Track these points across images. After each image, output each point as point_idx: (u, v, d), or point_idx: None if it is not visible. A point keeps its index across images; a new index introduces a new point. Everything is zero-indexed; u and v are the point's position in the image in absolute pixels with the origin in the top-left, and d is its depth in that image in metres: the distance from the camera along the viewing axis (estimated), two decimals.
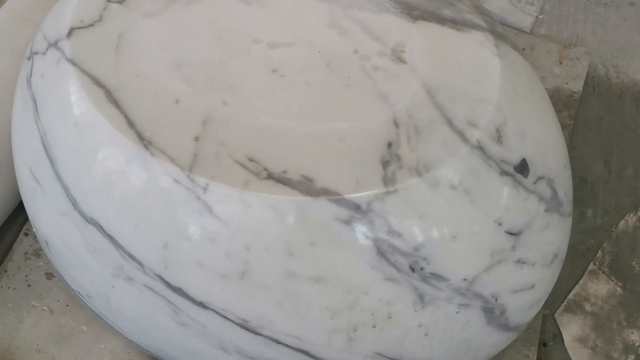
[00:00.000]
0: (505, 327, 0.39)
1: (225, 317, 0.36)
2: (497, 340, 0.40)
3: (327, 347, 0.36)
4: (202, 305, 0.36)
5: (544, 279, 0.39)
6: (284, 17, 0.40)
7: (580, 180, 0.60)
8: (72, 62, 0.37)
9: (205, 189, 0.33)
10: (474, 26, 0.39)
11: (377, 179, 0.33)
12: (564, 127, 0.54)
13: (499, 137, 0.35)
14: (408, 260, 0.34)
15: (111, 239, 0.36)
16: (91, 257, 0.37)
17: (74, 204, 0.36)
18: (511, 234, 0.36)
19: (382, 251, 0.33)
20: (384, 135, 0.34)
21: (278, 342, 0.36)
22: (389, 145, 0.34)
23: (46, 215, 0.39)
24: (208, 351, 0.39)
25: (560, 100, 0.63)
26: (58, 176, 0.37)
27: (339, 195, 0.32)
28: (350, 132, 0.35)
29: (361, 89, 0.36)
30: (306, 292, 0.34)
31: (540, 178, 0.38)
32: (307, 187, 0.33)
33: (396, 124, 0.35)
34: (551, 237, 0.39)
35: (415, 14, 0.39)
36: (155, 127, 0.35)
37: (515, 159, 0.36)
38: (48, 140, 0.37)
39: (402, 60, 0.38)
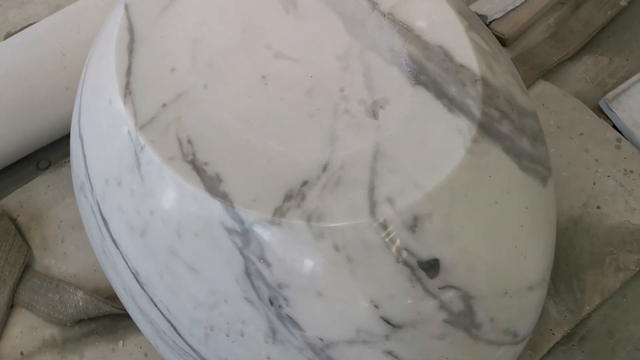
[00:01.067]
0: None
1: (126, 263, 0.40)
2: None
3: (189, 332, 0.39)
4: (115, 243, 0.40)
5: None
6: (306, 35, 0.41)
7: None
8: (125, 8, 0.44)
9: (142, 148, 0.37)
10: (466, 113, 0.37)
11: (271, 207, 0.34)
12: None
13: (413, 227, 0.34)
14: (269, 292, 0.35)
15: None
16: None
17: None
18: (388, 322, 0.35)
19: (249, 271, 0.35)
20: (307, 173, 0.35)
21: (155, 305, 0.39)
22: (304, 183, 0.35)
23: None
24: (116, 285, 0.44)
25: None
26: None
27: (231, 204, 0.34)
28: (282, 157, 0.36)
29: (320, 124, 0.37)
30: (181, 274, 0.37)
31: (451, 287, 0.35)
32: (213, 184, 0.35)
33: (324, 169, 0.35)
34: (445, 351, 0.36)
35: (421, 78, 0.39)
36: (142, 82, 0.40)
37: (425, 255, 0.34)
38: None
39: (374, 116, 0.37)
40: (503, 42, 0.71)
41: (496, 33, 0.70)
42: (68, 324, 0.55)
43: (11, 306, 0.56)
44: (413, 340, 0.35)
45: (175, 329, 0.39)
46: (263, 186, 0.35)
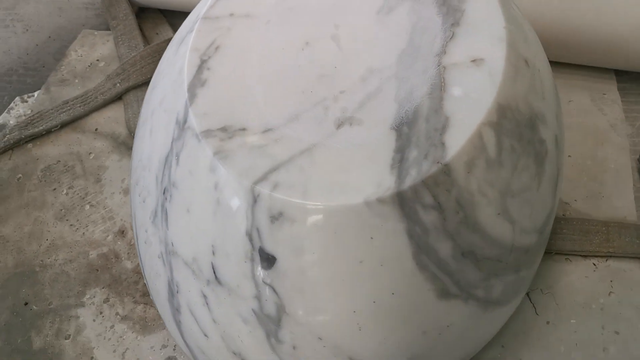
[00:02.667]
0: None
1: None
2: None
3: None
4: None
5: None
6: (370, 37, 0.44)
7: None
8: None
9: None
10: (400, 174, 0.37)
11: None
12: None
13: (274, 219, 0.37)
14: (166, 184, 0.41)
15: None
16: None
17: None
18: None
19: (168, 159, 0.42)
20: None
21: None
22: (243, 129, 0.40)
23: None
24: None
25: None
26: None
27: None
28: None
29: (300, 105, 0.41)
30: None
31: (273, 291, 0.38)
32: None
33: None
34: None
35: (402, 129, 0.39)
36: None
37: (269, 249, 0.37)
38: None
39: (339, 126, 0.40)
40: None
41: None
42: None
43: None
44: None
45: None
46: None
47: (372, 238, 0.36)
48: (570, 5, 0.65)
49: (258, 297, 0.38)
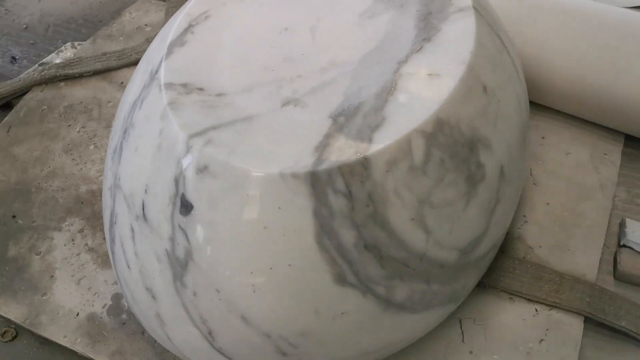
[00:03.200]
0: None
1: None
2: None
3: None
4: None
5: None
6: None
7: None
8: None
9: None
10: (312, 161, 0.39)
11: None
12: None
13: (199, 171, 0.40)
14: (126, 123, 0.46)
15: None
16: None
17: None
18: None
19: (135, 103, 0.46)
20: None
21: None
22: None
23: None
24: None
25: None
26: None
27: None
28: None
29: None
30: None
31: (185, 238, 0.41)
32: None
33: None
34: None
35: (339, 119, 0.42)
36: None
37: (191, 196, 0.41)
38: None
39: (284, 104, 0.43)
40: None
41: None
42: None
43: None
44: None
45: None
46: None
47: (279, 208, 0.39)
48: (590, 62, 0.65)
49: (172, 239, 0.42)
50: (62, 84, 0.76)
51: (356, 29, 0.47)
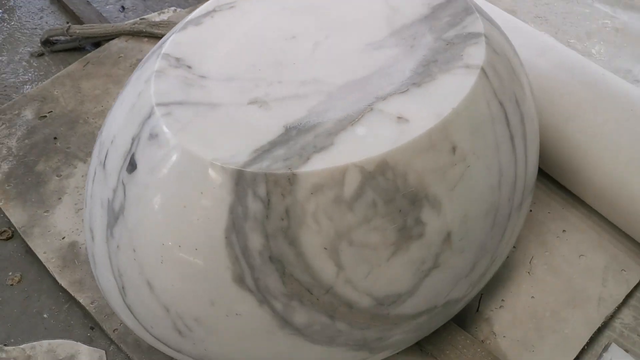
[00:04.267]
0: None
1: None
2: None
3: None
4: None
5: None
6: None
7: None
8: None
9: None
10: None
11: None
12: None
13: (149, 138, 0.43)
14: None
15: None
16: None
17: None
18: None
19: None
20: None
21: None
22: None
23: None
24: None
25: None
26: None
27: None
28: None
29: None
30: None
31: (122, 193, 0.44)
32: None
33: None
34: None
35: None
36: None
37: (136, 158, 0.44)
38: None
39: (259, 106, 0.44)
40: None
41: None
42: None
43: None
44: None
45: None
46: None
47: (201, 193, 0.41)
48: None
49: (114, 191, 0.45)
50: (145, 39, 0.83)
51: (356, 55, 0.48)
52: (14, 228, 0.65)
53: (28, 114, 0.75)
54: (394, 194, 0.41)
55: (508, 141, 0.47)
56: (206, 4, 0.52)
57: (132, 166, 0.44)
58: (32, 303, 0.60)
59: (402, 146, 0.41)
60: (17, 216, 0.65)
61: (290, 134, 0.42)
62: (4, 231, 0.65)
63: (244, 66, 0.47)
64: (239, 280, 0.42)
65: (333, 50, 0.48)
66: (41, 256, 0.62)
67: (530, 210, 0.64)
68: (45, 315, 0.59)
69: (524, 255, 0.61)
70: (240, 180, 0.40)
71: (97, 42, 0.85)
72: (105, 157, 0.47)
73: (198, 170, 0.41)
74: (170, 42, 0.48)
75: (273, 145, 0.41)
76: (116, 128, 0.47)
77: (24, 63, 0.84)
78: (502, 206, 0.47)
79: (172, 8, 0.92)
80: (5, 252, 0.64)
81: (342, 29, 0.50)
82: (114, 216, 0.45)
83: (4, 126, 0.73)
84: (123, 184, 0.44)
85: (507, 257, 0.59)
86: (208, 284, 0.42)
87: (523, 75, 0.52)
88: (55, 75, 0.79)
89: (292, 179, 0.40)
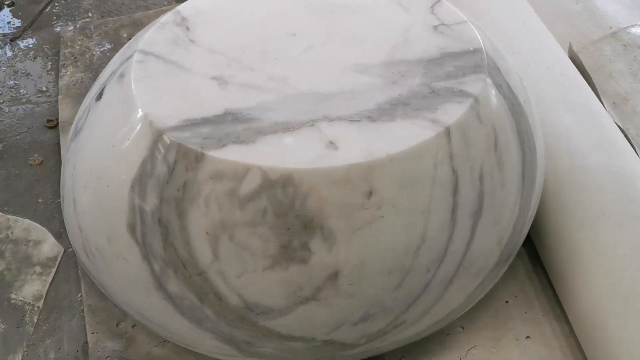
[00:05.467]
0: None
1: None
2: None
3: None
4: None
5: None
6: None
7: None
8: None
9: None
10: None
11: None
12: None
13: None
14: None
15: None
16: None
17: None
18: None
19: None
20: None
21: None
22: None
23: None
24: None
25: None
26: None
27: None
28: None
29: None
30: None
31: None
32: None
33: None
34: None
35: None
36: None
37: None
38: None
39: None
40: None
41: None
42: None
43: None
44: None
45: None
46: None
47: (128, 139, 0.44)
48: None
49: (84, 112, 0.50)
50: None
51: (338, 70, 0.47)
52: (59, 121, 0.74)
53: (125, 33, 0.83)
54: (287, 210, 0.41)
55: (447, 211, 0.44)
56: None
57: (99, 96, 0.48)
58: (38, 187, 0.68)
59: (315, 169, 0.40)
60: (65, 112, 0.74)
61: (225, 118, 0.43)
62: (51, 120, 0.74)
63: (232, 45, 0.49)
64: (131, 228, 0.44)
65: (320, 58, 0.48)
66: (62, 149, 0.70)
67: (507, 302, 0.59)
68: (39, 200, 0.67)
69: (467, 340, 0.56)
70: (158, 141, 0.42)
71: None
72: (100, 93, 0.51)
73: (134, 119, 0.44)
74: (183, 6, 0.51)
75: (204, 122, 0.43)
76: (113, 60, 0.51)
77: None
78: (415, 273, 0.44)
79: None
80: (44, 137, 0.73)
81: (344, 41, 0.49)
82: (75, 132, 0.50)
83: (99, 36, 0.83)
84: (89, 108, 0.49)
85: (448, 333, 0.55)
86: (109, 221, 0.45)
87: (515, 157, 0.47)
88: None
89: (199, 158, 0.41)
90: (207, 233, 0.42)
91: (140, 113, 0.43)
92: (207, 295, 0.44)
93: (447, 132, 0.43)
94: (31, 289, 0.60)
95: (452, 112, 0.44)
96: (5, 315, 0.58)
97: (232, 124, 0.43)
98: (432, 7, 0.52)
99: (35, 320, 0.58)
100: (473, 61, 0.47)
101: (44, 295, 0.60)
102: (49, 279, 0.61)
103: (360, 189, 0.41)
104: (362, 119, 0.43)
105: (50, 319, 0.58)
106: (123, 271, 0.47)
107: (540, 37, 0.73)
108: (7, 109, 0.75)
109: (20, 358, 0.55)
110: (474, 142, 0.44)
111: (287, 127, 0.43)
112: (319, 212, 0.41)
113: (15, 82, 0.79)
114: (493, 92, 0.46)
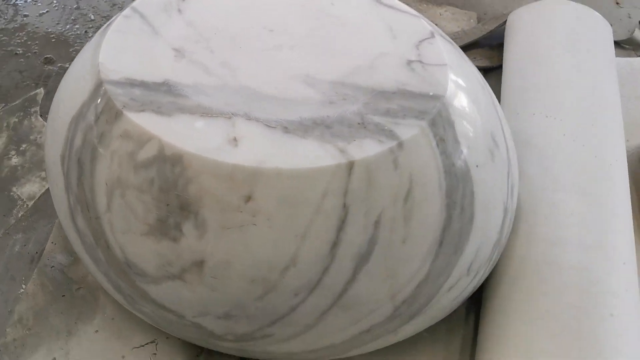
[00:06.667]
0: None
1: None
2: None
3: None
4: None
5: None
6: None
7: None
8: None
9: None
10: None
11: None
12: None
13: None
14: None
15: None
16: None
17: None
18: None
19: None
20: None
21: None
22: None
23: None
24: None
25: None
26: None
27: None
28: None
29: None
30: None
31: None
32: None
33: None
34: None
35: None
36: None
37: None
38: None
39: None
40: None
41: None
42: None
43: None
44: None
45: None
46: None
47: (81, 84, 0.48)
48: None
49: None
50: None
51: (287, 75, 0.47)
52: None
53: None
54: (170, 187, 0.43)
55: (326, 244, 0.42)
56: None
57: (91, 37, 0.53)
58: None
59: (204, 158, 0.41)
60: None
61: (160, 87, 0.46)
62: None
63: (210, 24, 0.51)
64: (62, 159, 0.49)
65: (279, 59, 0.48)
66: None
67: None
68: None
69: None
70: (97, 89, 0.46)
71: None
72: None
73: (93, 64, 0.48)
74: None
75: (141, 85, 0.46)
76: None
77: None
78: (281, 292, 0.44)
79: None
80: None
81: (312, 49, 0.49)
82: (74, 61, 0.55)
83: None
84: (87, 44, 0.54)
85: None
86: (53, 148, 0.50)
87: (434, 218, 0.44)
88: None
89: (117, 115, 0.44)
90: (106, 184, 0.45)
91: (97, 60, 0.47)
92: (100, 240, 0.47)
93: (350, 166, 0.41)
94: (30, 189, 0.68)
95: (366, 149, 0.42)
96: (0, 203, 0.67)
97: (161, 95, 0.45)
98: (420, 42, 0.49)
99: (19, 215, 0.66)
100: (423, 106, 0.45)
101: (36, 198, 0.68)
102: (47, 186, 0.68)
103: (239, 192, 0.41)
104: (277, 126, 0.43)
105: (31, 219, 0.66)
106: (56, 195, 0.52)
107: (605, 116, 0.64)
108: None
109: None
110: (379, 186, 0.42)
111: (206, 113, 0.44)
112: (197, 199, 0.42)
113: None
114: (427, 143, 0.43)
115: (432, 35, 0.50)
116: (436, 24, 0.84)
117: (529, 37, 0.71)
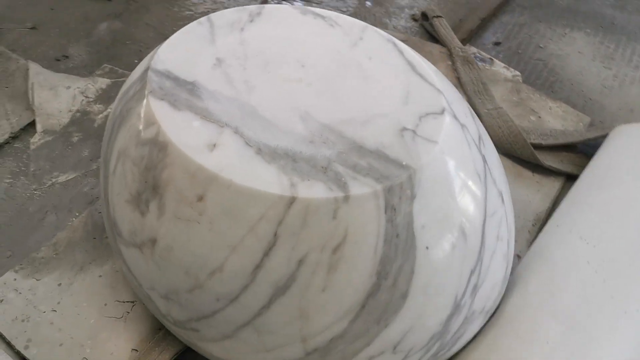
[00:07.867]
0: None
1: None
2: None
3: None
4: None
5: None
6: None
7: None
8: None
9: None
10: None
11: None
12: None
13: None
14: None
15: None
16: None
17: None
18: None
19: None
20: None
21: None
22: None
23: None
24: None
25: None
26: None
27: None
28: None
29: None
30: None
31: None
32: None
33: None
34: None
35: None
36: None
37: None
38: None
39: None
40: None
41: None
42: None
43: None
44: None
45: None
46: None
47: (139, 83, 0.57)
48: None
49: None
50: None
51: (289, 108, 0.50)
52: None
53: None
54: (151, 168, 0.49)
55: (250, 264, 0.45)
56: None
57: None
58: None
59: (181, 152, 0.47)
60: None
61: (186, 85, 0.52)
62: None
63: (257, 46, 0.56)
64: (110, 123, 0.58)
65: (292, 91, 0.52)
66: None
67: None
68: None
69: None
70: (145, 73, 0.54)
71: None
72: None
73: (153, 53, 0.56)
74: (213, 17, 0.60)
75: (174, 79, 0.53)
76: None
77: None
78: (205, 291, 0.47)
79: None
80: None
81: (325, 92, 0.52)
82: None
83: None
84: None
85: None
86: (111, 114, 0.60)
87: (361, 278, 0.44)
88: None
89: (142, 97, 0.52)
90: (118, 152, 0.53)
91: (157, 50, 0.56)
92: (106, 196, 0.55)
93: (292, 200, 0.44)
94: None
95: (313, 191, 0.44)
96: (93, 149, 0.80)
97: (184, 91, 0.52)
98: (426, 115, 0.49)
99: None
100: (388, 172, 0.45)
101: None
102: None
103: (195, 190, 0.46)
104: (254, 146, 0.47)
105: None
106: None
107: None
108: None
109: None
110: (312, 229, 0.44)
111: (206, 116, 0.49)
112: (165, 184, 0.48)
113: None
114: (375, 206, 0.44)
115: (442, 112, 0.49)
116: (539, 116, 0.81)
117: (613, 155, 0.65)
